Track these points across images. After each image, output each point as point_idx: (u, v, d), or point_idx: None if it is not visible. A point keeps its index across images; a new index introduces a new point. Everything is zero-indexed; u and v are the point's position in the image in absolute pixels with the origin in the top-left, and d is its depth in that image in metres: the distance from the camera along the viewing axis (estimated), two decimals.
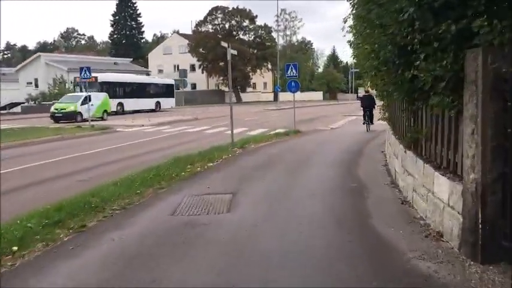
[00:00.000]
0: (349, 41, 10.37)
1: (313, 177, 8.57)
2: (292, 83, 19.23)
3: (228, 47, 13.51)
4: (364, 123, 18.83)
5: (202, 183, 8.03)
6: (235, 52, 15.30)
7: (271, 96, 78.80)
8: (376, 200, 6.38)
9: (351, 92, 47.56)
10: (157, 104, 43.57)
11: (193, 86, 75.22)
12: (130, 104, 38.97)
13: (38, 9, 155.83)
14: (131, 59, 68.61)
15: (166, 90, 46.08)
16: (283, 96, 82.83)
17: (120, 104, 38.16)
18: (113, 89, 37.41)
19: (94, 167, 11.34)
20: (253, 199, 6.74)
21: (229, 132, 21.95)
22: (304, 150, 12.90)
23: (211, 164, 10.21)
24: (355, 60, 11.71)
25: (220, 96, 69.80)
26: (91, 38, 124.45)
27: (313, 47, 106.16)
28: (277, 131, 20.00)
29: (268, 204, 6.37)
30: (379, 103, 18.58)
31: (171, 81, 48.50)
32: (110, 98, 34.18)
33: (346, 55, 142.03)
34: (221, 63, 65.76)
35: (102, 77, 36.75)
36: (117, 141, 17.11)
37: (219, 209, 6.12)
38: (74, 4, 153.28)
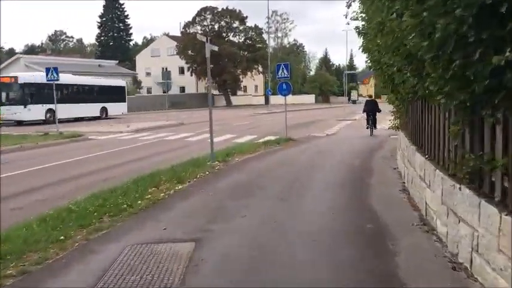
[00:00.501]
0: (356, 28, 8.34)
1: (310, 209, 6.38)
2: (284, 85, 17.09)
3: (207, 41, 11.34)
4: (367, 128, 18.93)
5: (160, 221, 5.82)
6: (215, 48, 13.18)
7: (262, 100, 76.70)
8: (410, 259, 4.19)
9: (345, 95, 45.65)
10: (103, 110, 36.40)
11: (182, 89, 72.92)
12: (64, 110, 29.68)
13: (26, 11, 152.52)
14: (117, 61, 66.14)
15: (115, 94, 38.24)
16: (275, 99, 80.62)
17: (50, 111, 29.57)
18: (39, 93, 30.03)
19: (41, 187, 9.11)
20: (225, 254, 4.55)
21: (216, 139, 19.82)
22: (297, 165, 10.73)
23: (181, 187, 8.00)
24: (365, 57, 9.54)
25: None
26: (80, 40, 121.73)
27: (305, 49, 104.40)
28: (267, 138, 17.85)
29: (247, 268, 4.19)
30: (383, 107, 17.87)
31: (121, 83, 41.19)
32: (36, 103, 29.64)
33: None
34: (211, 66, 63.62)
35: (25, 77, 30.86)
36: (84, 152, 14.83)
37: (168, 279, 3.91)
38: (62, 7, 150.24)
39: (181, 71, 71.54)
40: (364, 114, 19.69)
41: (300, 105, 66.35)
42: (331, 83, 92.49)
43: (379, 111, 18.95)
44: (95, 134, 21.65)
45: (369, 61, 9.22)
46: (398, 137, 10.59)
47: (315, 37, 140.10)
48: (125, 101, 40.24)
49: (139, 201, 6.79)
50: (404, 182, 7.68)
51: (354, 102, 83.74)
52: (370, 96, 21.67)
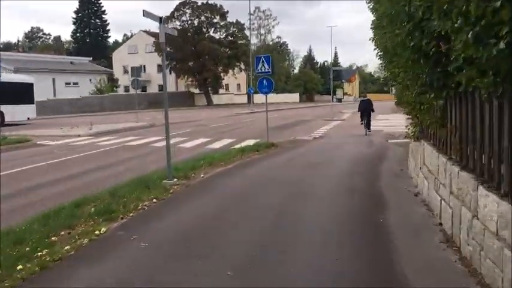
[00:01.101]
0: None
1: None
2: (264, 82, 14.52)
3: (161, 22, 8.71)
4: (361, 124, 18.92)
5: None
6: (174, 33, 10.52)
7: (245, 99, 74.09)
8: None
9: (332, 94, 43.44)
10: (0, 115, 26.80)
11: (161, 87, 69.73)
12: None
13: (2, 7, 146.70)
14: (90, 58, 62.71)
15: (18, 94, 28.49)
16: (258, 98, 78.23)
17: None
18: None
19: None
20: None
21: (187, 144, 17.18)
22: (280, 185, 8.13)
23: (104, 230, 5.27)
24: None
25: (190, 99, 64.68)
26: (57, 38, 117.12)
27: (288, 47, 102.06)
28: (246, 143, 15.32)
29: None
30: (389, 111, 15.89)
31: (25, 79, 31.03)
32: None
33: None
34: (190, 63, 60.78)
35: None
36: (22, 163, 12.02)
37: None
38: (39, 3, 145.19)
39: (160, 68, 68.36)
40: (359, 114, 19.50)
41: (283, 104, 63.96)
42: (316, 81, 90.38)
43: (373, 111, 19.00)
44: (48, 138, 18.74)
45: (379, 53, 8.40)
46: (415, 148, 8.09)
47: (299, 36, 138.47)
48: (32, 103, 30.44)
49: (19, 266, 4.10)
50: (440, 223, 5.10)
51: (340, 100, 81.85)
52: (365, 95, 21.07)
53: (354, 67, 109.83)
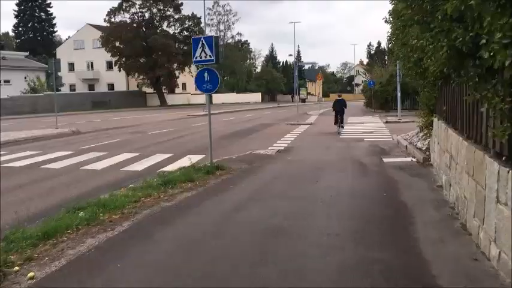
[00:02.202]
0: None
1: None
2: (205, 75, 9.92)
3: None
4: (335, 124, 19.18)
5: None
6: None
7: (204, 99, 69.09)
8: None
9: (296, 94, 39.28)
10: None
11: (111, 86, 63.83)
12: None
13: None
14: (27, 53, 56.01)
15: None
16: (219, 98, 73.50)
17: None
18: None
19: None
20: None
21: (100, 164, 11.56)
22: None
23: None
24: None
25: (142, 99, 59.11)
26: (6, 34, 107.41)
27: (250, 46, 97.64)
28: (182, 161, 10.96)
29: None
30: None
31: None
32: None
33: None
34: (142, 60, 55.29)
35: None
36: None
37: None
38: None
39: (110, 65, 62.42)
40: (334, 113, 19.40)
41: (244, 105, 59.53)
42: (278, 80, 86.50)
43: (345, 107, 19.38)
44: None
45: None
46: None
47: (261, 36, 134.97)
48: None
49: None
50: None
51: (303, 101, 78.18)
52: (340, 95, 20.92)
53: (316, 67, 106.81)
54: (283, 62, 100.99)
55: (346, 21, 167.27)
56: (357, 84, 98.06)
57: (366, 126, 22.78)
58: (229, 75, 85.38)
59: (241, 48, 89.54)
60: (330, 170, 9.36)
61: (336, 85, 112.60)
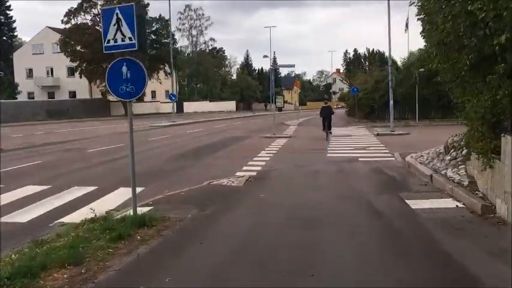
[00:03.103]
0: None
1: None
2: (124, 69, 6.05)
3: None
4: (323, 130, 19.57)
5: None
6: None
7: (174, 107, 64.79)
8: None
9: (272, 102, 35.72)
10: None
11: (73, 94, 58.97)
12: None
13: None
14: None
15: None
16: (190, 106, 69.21)
17: None
18: None
19: None
20: None
21: None
22: None
23: None
24: None
25: (106, 108, 54.53)
26: None
27: (225, 54, 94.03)
28: (102, 203, 7.00)
29: None
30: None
31: None
32: None
33: None
34: (104, 65, 50.72)
35: None
36: None
37: None
38: None
39: (71, 71, 57.68)
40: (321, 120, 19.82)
41: (217, 114, 55.58)
42: (254, 87, 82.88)
43: (333, 113, 20.08)
44: None
45: None
46: None
47: (236, 46, 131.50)
48: None
49: None
50: None
51: (280, 109, 74.86)
52: (326, 102, 21.68)
53: (293, 74, 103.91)
54: (258, 69, 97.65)
55: (322, 30, 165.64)
56: (334, 92, 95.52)
57: (354, 139, 19.25)
58: (202, 83, 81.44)
59: (216, 55, 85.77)
60: (329, 232, 5.46)
61: (313, 93, 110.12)
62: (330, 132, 19.43)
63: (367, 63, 68.47)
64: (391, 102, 21.11)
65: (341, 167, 11.22)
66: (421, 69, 26.86)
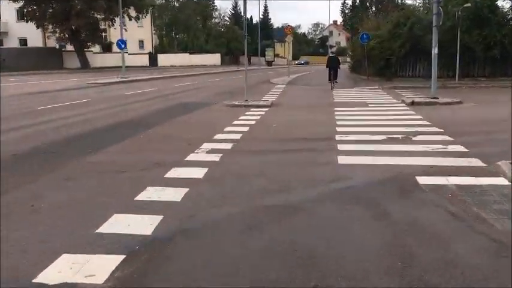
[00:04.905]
0: None
1: None
2: None
3: None
4: (329, 80, 19.52)
5: None
6: None
7: (146, 60, 56.03)
8: None
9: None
10: None
11: (24, 41, 49.95)
12: None
13: None
14: None
15: None
16: (168, 59, 60.27)
17: None
18: None
19: None
20: None
21: None
22: None
23: None
24: None
25: (57, 58, 45.90)
26: None
27: (215, 3, 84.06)
28: None
29: None
30: None
31: None
32: None
33: None
34: (55, 6, 41.75)
35: None
36: None
37: None
38: None
39: (21, 15, 48.29)
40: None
41: (197, 68, 47.14)
42: (242, 39, 73.50)
43: (339, 68, 20.43)
44: None
45: None
46: None
47: None
48: None
49: None
50: None
51: (270, 64, 66.21)
52: (333, 52, 19.20)
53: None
54: (248, 19, 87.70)
55: None
56: (331, 46, 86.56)
57: (376, 113, 11.38)
58: (182, 33, 72.07)
59: (199, 1, 75.93)
60: None
61: (308, 47, 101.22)
62: (336, 81, 19.62)
63: (373, 8, 59.41)
64: (435, 50, 12.84)
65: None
66: (466, 4, 18.80)
